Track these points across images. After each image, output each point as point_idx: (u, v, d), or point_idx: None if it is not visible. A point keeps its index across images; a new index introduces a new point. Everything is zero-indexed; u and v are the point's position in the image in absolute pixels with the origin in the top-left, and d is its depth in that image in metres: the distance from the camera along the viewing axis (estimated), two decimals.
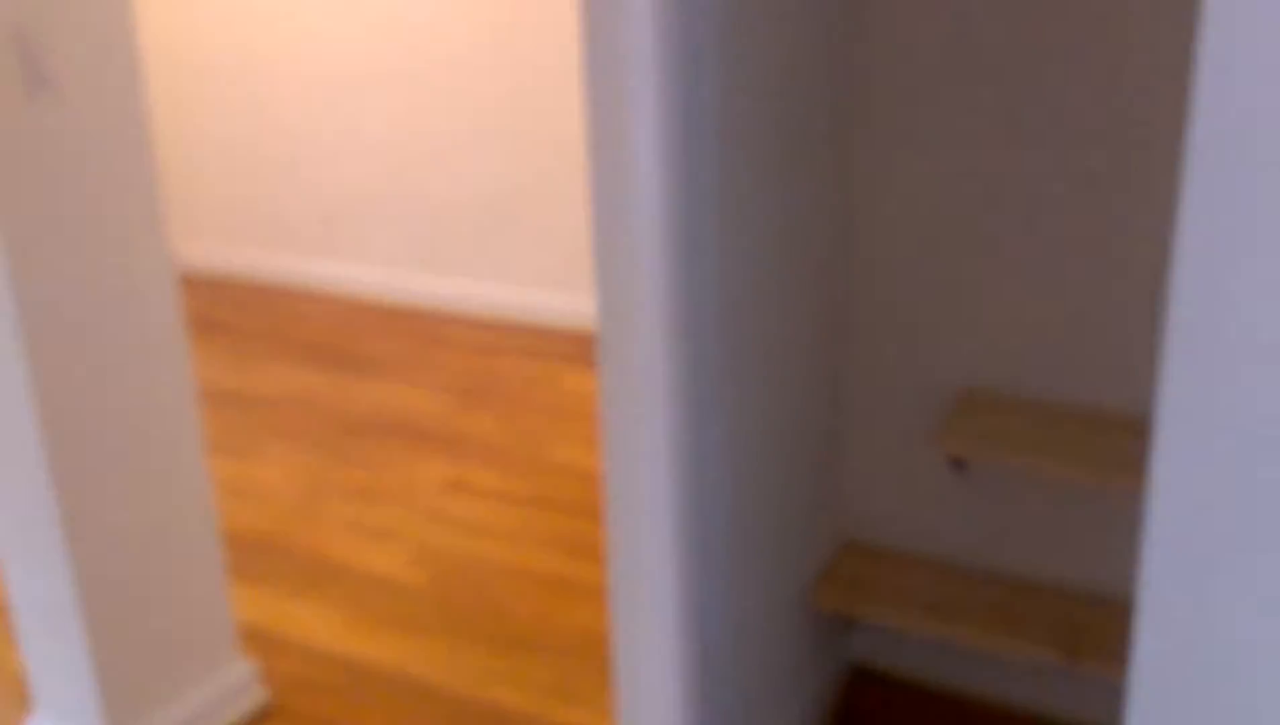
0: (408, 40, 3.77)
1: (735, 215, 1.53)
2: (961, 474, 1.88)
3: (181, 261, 4.36)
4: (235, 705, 2.02)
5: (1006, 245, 1.74)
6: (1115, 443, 1.69)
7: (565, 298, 3.78)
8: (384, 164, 3.99)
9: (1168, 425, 0.92)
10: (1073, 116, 1.63)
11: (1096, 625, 1.76)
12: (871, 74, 1.74)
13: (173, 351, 1.87)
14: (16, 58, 1.58)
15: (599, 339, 1.51)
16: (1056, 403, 1.78)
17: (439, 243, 3.98)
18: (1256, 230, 0.84)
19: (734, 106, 1.48)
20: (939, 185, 1.75)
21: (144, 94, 1.77)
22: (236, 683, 2.03)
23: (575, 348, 3.63)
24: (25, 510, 1.75)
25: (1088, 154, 1.64)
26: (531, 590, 2.38)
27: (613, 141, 1.38)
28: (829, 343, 1.87)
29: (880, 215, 1.80)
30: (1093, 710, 1.88)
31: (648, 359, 1.48)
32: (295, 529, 2.66)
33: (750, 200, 1.56)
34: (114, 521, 1.81)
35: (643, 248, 1.41)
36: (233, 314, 4.08)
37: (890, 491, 1.94)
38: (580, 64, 1.38)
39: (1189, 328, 0.89)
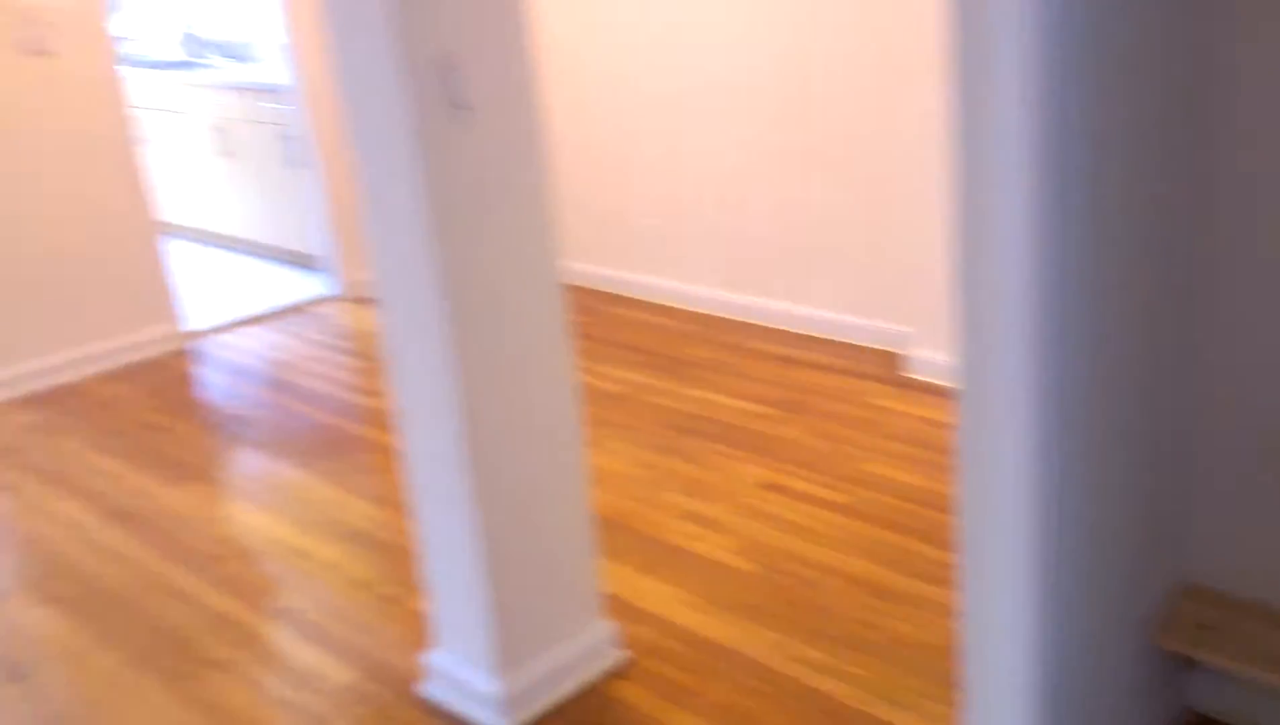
0: (742, 65, 3.89)
1: (1098, 247, 1.49)
2: None
3: None
4: (600, 661, 2.18)
5: None
6: None
7: (872, 321, 3.78)
8: (712, 184, 4.13)
9: None
10: None
11: None
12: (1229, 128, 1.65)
13: (561, 350, 2.04)
14: (440, 81, 1.76)
15: (959, 372, 1.51)
16: None
17: (759, 261, 4.08)
18: None
19: (1101, 136, 1.45)
20: None
21: (543, 114, 1.92)
22: (601, 642, 2.18)
23: (880, 367, 3.62)
24: (446, 481, 1.97)
25: None
26: (851, 593, 2.41)
27: (979, 176, 1.38)
28: (1178, 383, 1.78)
29: (1228, 250, 1.70)
30: None
31: (1009, 396, 1.46)
32: (637, 513, 2.82)
33: (1114, 231, 1.52)
34: (513, 495, 2.00)
35: (1008, 289, 1.40)
36: (574, 317, 4.35)
37: (1236, 536, 1.82)
38: (948, 114, 1.39)
39: None
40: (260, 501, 3.10)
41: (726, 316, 4.21)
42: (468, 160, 1.82)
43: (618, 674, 2.19)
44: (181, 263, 5.15)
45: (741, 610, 2.38)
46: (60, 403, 3.92)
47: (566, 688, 2.12)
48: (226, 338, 4.49)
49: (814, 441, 3.15)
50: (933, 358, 3.46)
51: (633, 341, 4.06)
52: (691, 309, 4.32)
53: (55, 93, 3.94)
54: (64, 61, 3.94)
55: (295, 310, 4.77)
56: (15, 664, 2.42)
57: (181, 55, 6.39)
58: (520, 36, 1.86)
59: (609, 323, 4.27)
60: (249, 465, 3.37)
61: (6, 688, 2.34)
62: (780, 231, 3.97)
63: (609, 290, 4.60)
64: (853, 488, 2.87)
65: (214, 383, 4.07)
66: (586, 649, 2.16)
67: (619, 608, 2.38)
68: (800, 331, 3.99)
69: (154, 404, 3.86)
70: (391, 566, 2.68)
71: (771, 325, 4.07)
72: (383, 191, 1.84)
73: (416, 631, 2.38)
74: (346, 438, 3.47)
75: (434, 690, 2.16)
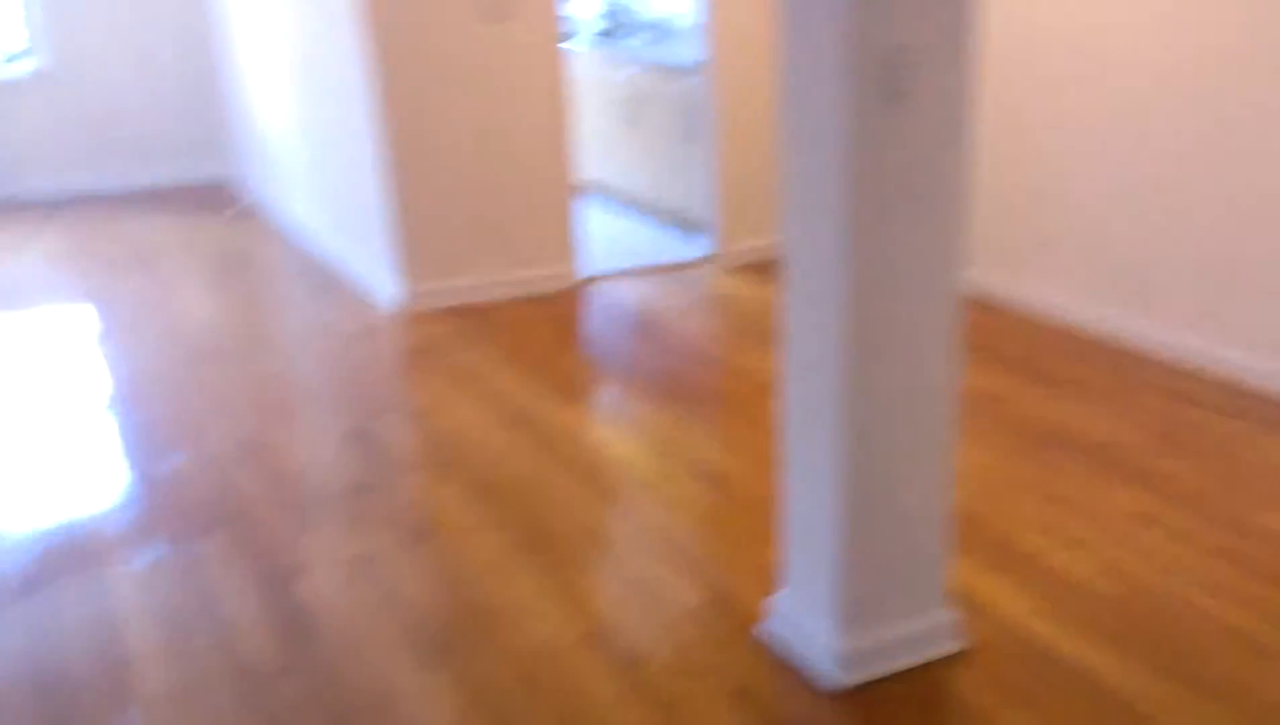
0: (1162, 68, 3.55)
1: None
2: None
3: None
4: (938, 645, 2.13)
5: None
6: None
7: (1270, 361, 3.34)
8: (1108, 191, 3.83)
9: None
10: None
11: None
12: None
13: (948, 347, 1.98)
14: (884, 71, 1.76)
15: None
16: None
17: (1151, 281, 3.73)
18: None
19: None
20: None
21: (974, 109, 1.85)
22: (942, 628, 2.13)
23: (1275, 412, 3.20)
24: (820, 450, 1.99)
25: None
26: (1226, 643, 2.17)
27: None
28: None
29: None
30: None
31: None
32: (990, 514, 2.71)
33: None
34: (880, 473, 1.99)
35: None
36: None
37: None
38: None
39: None
40: (631, 430, 3.32)
41: (1109, 336, 3.89)
42: (897, 150, 1.82)
43: (955, 662, 2.12)
44: (585, 213, 5.59)
45: (1096, 632, 2.21)
46: (473, 317, 4.41)
47: (903, 661, 2.09)
48: (614, 284, 4.82)
49: (1198, 482, 2.85)
50: None
51: (1005, 348, 3.87)
52: (1071, 323, 4.04)
53: (507, 57, 4.39)
54: (518, 28, 4.37)
55: (676, 268, 5.02)
56: (424, 527, 2.77)
57: (608, 29, 6.88)
58: (967, 31, 1.82)
59: (982, 327, 4.10)
60: (622, 397, 3.61)
61: (417, 545, 2.69)
62: (1182, 252, 3.60)
63: (986, 292, 4.42)
64: (1239, 538, 2.57)
65: (599, 321, 4.39)
66: (927, 630, 2.11)
67: (964, 602, 2.30)
68: (1191, 364, 3.60)
69: (547, 331, 4.24)
70: (743, 512, 2.77)
71: (1159, 353, 3.71)
72: (808, 172, 1.88)
73: (762, 576, 2.45)
74: (710, 389, 3.61)
75: (775, 631, 2.21)
